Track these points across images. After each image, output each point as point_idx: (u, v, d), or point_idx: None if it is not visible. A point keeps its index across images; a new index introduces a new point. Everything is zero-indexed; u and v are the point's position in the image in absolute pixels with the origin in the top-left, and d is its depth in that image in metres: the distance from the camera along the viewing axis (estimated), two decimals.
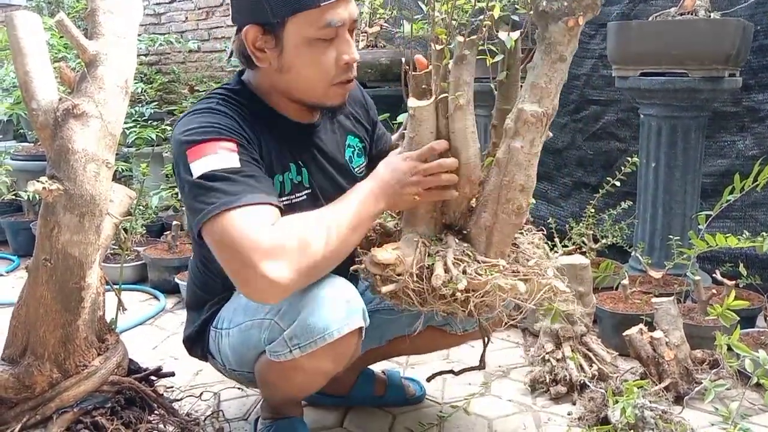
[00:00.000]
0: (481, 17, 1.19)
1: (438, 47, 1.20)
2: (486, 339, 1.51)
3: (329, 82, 1.28)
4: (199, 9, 4.73)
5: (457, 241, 1.26)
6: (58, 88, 1.21)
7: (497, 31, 1.23)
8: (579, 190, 3.05)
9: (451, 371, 1.69)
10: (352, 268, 1.27)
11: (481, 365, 1.56)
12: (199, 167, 1.15)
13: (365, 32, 3.10)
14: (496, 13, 1.19)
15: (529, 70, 1.20)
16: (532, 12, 1.18)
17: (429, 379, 1.74)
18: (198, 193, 1.14)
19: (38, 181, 1.12)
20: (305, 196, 1.36)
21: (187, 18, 4.82)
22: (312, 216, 1.17)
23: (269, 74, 1.29)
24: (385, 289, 1.19)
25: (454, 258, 1.21)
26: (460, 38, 1.17)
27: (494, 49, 1.25)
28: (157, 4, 4.96)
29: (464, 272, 1.18)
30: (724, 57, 2.20)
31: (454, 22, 1.19)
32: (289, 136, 1.35)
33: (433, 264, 1.20)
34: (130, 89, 1.22)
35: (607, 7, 2.91)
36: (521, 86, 1.24)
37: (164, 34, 4.72)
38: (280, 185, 1.32)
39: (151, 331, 2.48)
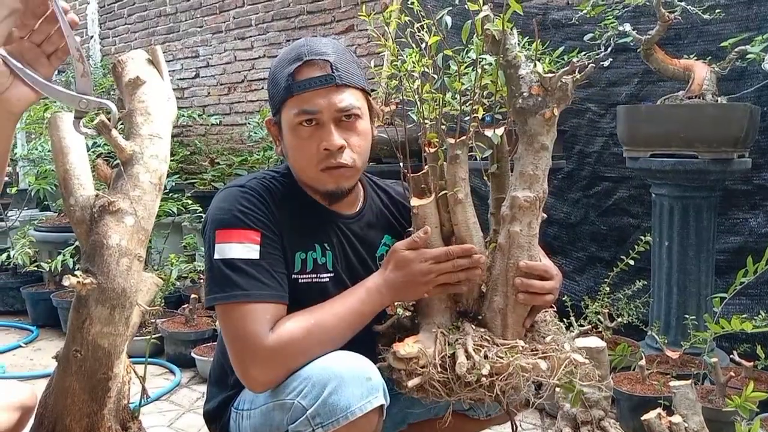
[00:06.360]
0: (467, 118, 1.28)
1: (431, 150, 1.28)
2: (514, 425, 1.50)
3: (316, 167, 1.36)
4: (221, 85, 4.91)
5: (473, 327, 1.28)
6: (95, 184, 1.28)
7: (483, 131, 1.30)
8: (593, 264, 3.07)
9: None
10: (377, 365, 1.29)
11: None
12: (222, 251, 1.26)
13: (381, 110, 3.22)
14: (480, 114, 1.27)
15: (515, 161, 1.28)
16: (511, 110, 1.26)
17: None
18: (216, 276, 1.26)
19: (73, 275, 1.16)
20: (328, 279, 1.40)
21: (209, 93, 5.00)
22: (314, 317, 1.26)
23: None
24: (411, 383, 1.20)
25: (474, 344, 1.23)
26: (451, 140, 1.25)
27: (482, 145, 1.33)
28: (180, 79, 5.15)
29: (486, 357, 1.20)
30: (733, 140, 2.25)
31: (443, 127, 1.28)
32: (318, 220, 1.42)
33: (454, 353, 1.21)
34: (163, 185, 1.28)
35: (617, 87, 3.00)
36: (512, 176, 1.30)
37: (187, 107, 4.89)
38: (301, 262, 1.38)
39: (166, 407, 2.49)
